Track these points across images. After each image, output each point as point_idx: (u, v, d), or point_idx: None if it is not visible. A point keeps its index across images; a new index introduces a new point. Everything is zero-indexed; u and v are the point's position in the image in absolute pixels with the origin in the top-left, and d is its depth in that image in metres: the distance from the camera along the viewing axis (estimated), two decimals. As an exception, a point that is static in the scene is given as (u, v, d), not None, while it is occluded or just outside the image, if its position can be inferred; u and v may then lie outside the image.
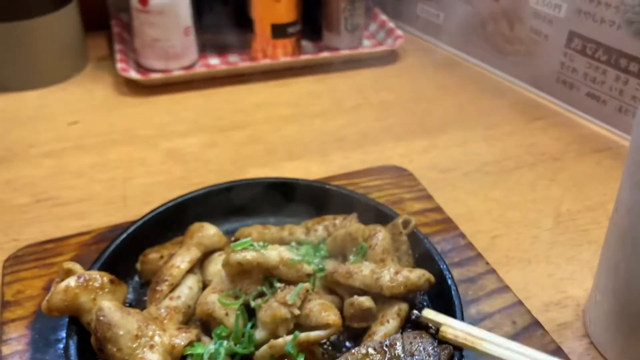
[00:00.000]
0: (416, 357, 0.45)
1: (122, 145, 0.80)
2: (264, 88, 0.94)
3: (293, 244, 0.57)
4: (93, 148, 0.80)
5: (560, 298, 0.60)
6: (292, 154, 0.79)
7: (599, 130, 0.85)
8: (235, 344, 0.48)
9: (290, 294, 0.48)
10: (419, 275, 0.51)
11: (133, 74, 0.91)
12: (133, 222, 0.58)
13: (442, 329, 0.47)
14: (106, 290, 0.49)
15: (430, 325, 0.49)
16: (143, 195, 0.72)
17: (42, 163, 0.77)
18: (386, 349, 0.46)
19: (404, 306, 0.51)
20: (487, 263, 0.59)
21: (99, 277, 0.50)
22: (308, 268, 0.50)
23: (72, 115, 0.86)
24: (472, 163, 0.79)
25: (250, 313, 0.50)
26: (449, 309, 0.51)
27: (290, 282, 0.50)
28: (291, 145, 0.81)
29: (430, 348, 0.46)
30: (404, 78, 0.98)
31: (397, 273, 0.51)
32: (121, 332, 0.46)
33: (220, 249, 0.57)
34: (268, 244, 0.52)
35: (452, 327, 0.47)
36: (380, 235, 0.53)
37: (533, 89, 0.93)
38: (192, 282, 0.53)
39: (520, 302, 0.56)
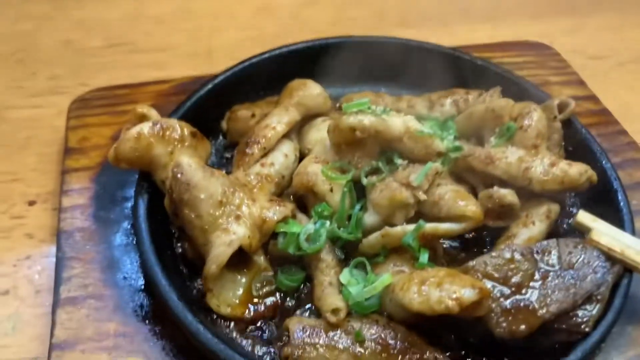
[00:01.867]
0: (577, 271, 0.35)
1: (211, -8, 0.70)
2: None
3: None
4: (178, -8, 0.69)
5: None
6: (406, 21, 0.67)
7: None
8: (339, 227, 0.39)
9: (415, 174, 0.38)
10: (580, 171, 0.40)
11: None
12: (222, 72, 0.48)
13: (593, 234, 0.35)
14: (186, 144, 0.40)
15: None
16: (231, 50, 0.62)
17: (119, 4, 0.68)
18: (537, 257, 0.36)
19: (555, 208, 0.41)
20: None
21: (179, 127, 0.40)
22: (440, 144, 0.39)
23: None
24: (631, 52, 0.65)
25: (359, 192, 0.40)
26: (613, 218, 0.39)
27: (414, 159, 0.40)
28: (405, 10, 0.68)
29: (597, 263, 0.35)
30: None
31: (553, 165, 0.39)
32: (202, 196, 0.37)
33: (324, 114, 0.46)
34: (390, 109, 0.41)
35: (610, 236, 0.35)
36: (536, 115, 0.41)
37: None
38: (288, 149, 0.44)
39: None
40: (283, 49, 0.51)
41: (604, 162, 0.43)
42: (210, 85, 0.47)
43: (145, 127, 0.40)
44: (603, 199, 0.42)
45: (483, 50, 0.58)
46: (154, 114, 0.42)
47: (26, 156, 0.51)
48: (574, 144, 0.45)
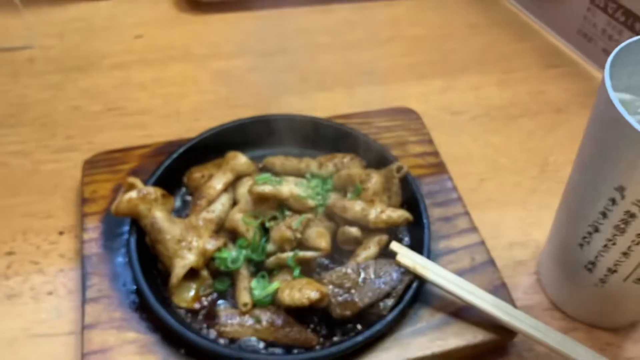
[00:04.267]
0: (382, 278, 0.60)
1: (179, 63, 0.93)
2: (307, 13, 1.03)
3: (308, 175, 0.71)
4: (154, 63, 0.93)
5: (524, 240, 0.72)
6: (323, 85, 0.90)
7: (608, 84, 0.92)
8: (252, 253, 0.64)
9: (295, 221, 0.63)
10: (399, 215, 0.65)
11: (192, -9, 1.01)
12: (181, 145, 0.73)
13: (398, 257, 0.61)
14: (159, 202, 0.65)
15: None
16: (194, 112, 0.86)
17: (112, 74, 0.91)
18: (361, 270, 0.61)
19: (384, 237, 0.65)
20: (464, 206, 0.71)
21: (154, 192, 0.65)
22: (311, 203, 0.64)
23: (137, 29, 0.98)
24: (482, 107, 0.88)
25: (265, 231, 0.65)
26: (421, 242, 0.65)
27: (297, 211, 0.65)
28: (323, 75, 0.92)
29: (395, 274, 0.61)
30: (439, 12, 1.05)
31: (382, 212, 0.64)
32: (168, 237, 0.62)
33: (249, 175, 0.71)
34: (283, 179, 0.66)
35: (407, 257, 0.61)
36: (373, 180, 0.66)
37: (557, 36, 0.98)
38: (225, 199, 0.68)
39: (482, 242, 0.68)
40: (223, 126, 0.73)
41: (421, 205, 0.68)
42: (174, 155, 0.70)
43: (133, 194, 0.64)
44: (419, 229, 0.67)
45: (369, 116, 0.80)
46: (139, 183, 0.66)
47: (55, 199, 0.73)
48: (407, 192, 0.70)
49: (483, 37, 1.00)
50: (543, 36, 1.00)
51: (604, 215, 0.54)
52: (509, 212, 0.75)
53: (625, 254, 0.55)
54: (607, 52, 0.89)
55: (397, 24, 1.02)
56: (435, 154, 0.77)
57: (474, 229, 0.69)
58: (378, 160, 0.72)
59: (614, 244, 0.55)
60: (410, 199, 0.69)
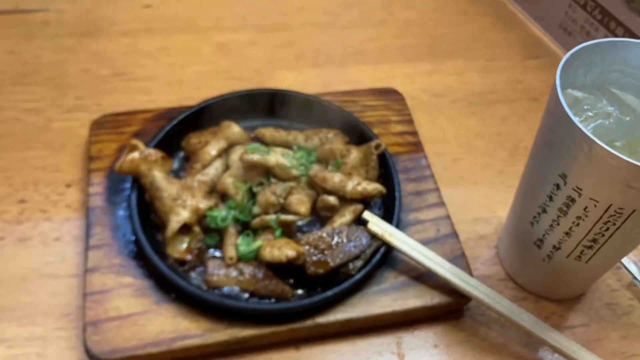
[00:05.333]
0: (352, 242, 0.68)
1: (184, 34, 0.99)
2: (307, -9, 1.08)
3: (294, 147, 0.78)
4: (160, 33, 0.98)
5: (488, 216, 0.80)
6: (317, 62, 0.96)
7: (584, 77, 0.98)
8: (240, 214, 0.71)
9: (279, 188, 0.70)
10: (373, 187, 0.72)
11: (199, -35, 1.06)
12: (181, 111, 0.79)
13: (369, 225, 0.68)
14: (159, 163, 0.72)
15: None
16: (194, 81, 0.92)
17: (120, 40, 0.96)
18: (335, 235, 0.68)
19: (359, 206, 0.73)
20: (435, 182, 0.78)
21: (154, 154, 0.72)
22: (295, 172, 0.71)
23: (146, -2, 1.04)
24: (463, 91, 0.94)
25: (252, 195, 0.72)
26: (392, 213, 0.72)
27: (282, 179, 0.72)
28: (318, 53, 0.97)
29: (365, 239, 0.68)
30: (432, -3, 1.10)
31: (358, 184, 0.72)
32: (165, 195, 0.69)
33: (241, 143, 0.78)
34: (271, 149, 0.73)
35: (377, 225, 0.68)
36: (352, 155, 0.73)
37: (540, 28, 1.04)
38: (218, 164, 0.75)
39: (448, 216, 0.75)
40: (220, 97, 0.80)
41: (394, 179, 0.75)
42: (174, 122, 0.77)
43: (136, 154, 0.71)
44: (391, 201, 0.75)
45: (356, 95, 0.86)
46: (141, 145, 0.73)
47: (64, 155, 0.79)
48: (384, 167, 0.77)
49: (472, 25, 1.05)
50: (528, 28, 1.06)
51: (550, 198, 0.61)
52: (477, 191, 0.82)
53: (567, 233, 0.62)
54: (584, 47, 0.95)
55: (390, 7, 1.06)
56: (414, 133, 0.84)
57: (441, 203, 0.77)
58: (360, 136, 0.79)
59: (558, 224, 0.62)
60: (386, 174, 0.76)
